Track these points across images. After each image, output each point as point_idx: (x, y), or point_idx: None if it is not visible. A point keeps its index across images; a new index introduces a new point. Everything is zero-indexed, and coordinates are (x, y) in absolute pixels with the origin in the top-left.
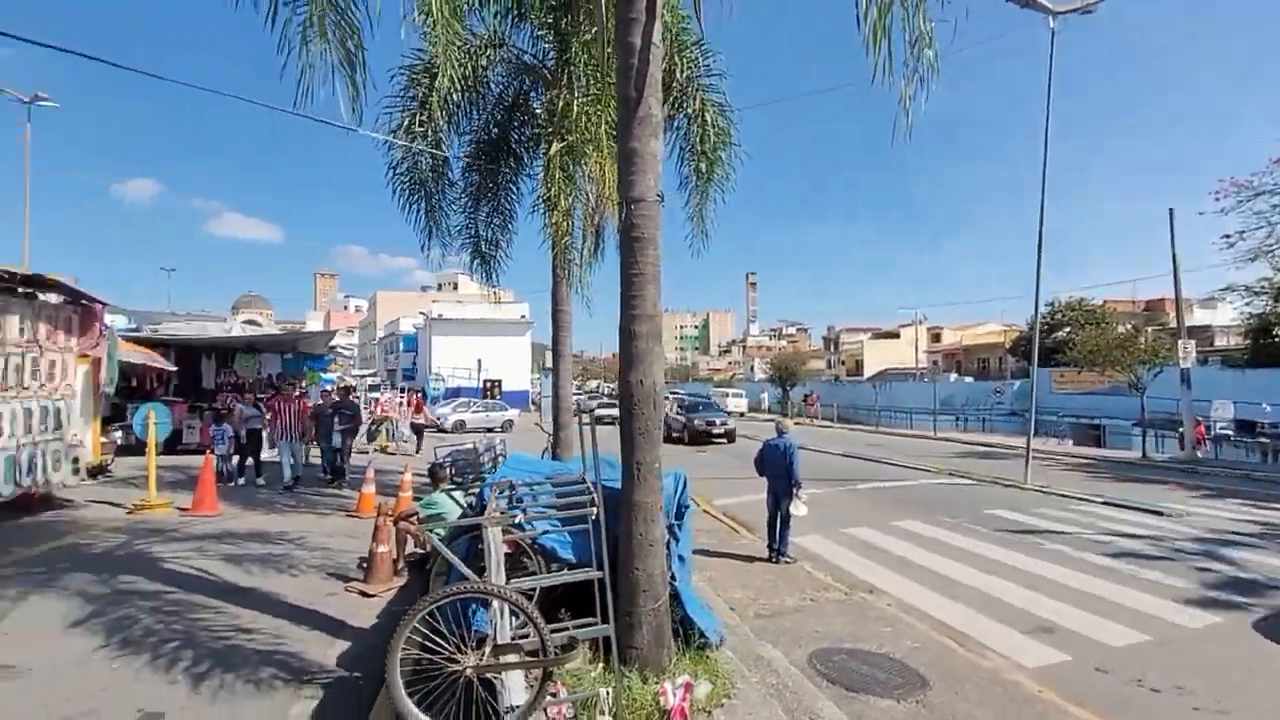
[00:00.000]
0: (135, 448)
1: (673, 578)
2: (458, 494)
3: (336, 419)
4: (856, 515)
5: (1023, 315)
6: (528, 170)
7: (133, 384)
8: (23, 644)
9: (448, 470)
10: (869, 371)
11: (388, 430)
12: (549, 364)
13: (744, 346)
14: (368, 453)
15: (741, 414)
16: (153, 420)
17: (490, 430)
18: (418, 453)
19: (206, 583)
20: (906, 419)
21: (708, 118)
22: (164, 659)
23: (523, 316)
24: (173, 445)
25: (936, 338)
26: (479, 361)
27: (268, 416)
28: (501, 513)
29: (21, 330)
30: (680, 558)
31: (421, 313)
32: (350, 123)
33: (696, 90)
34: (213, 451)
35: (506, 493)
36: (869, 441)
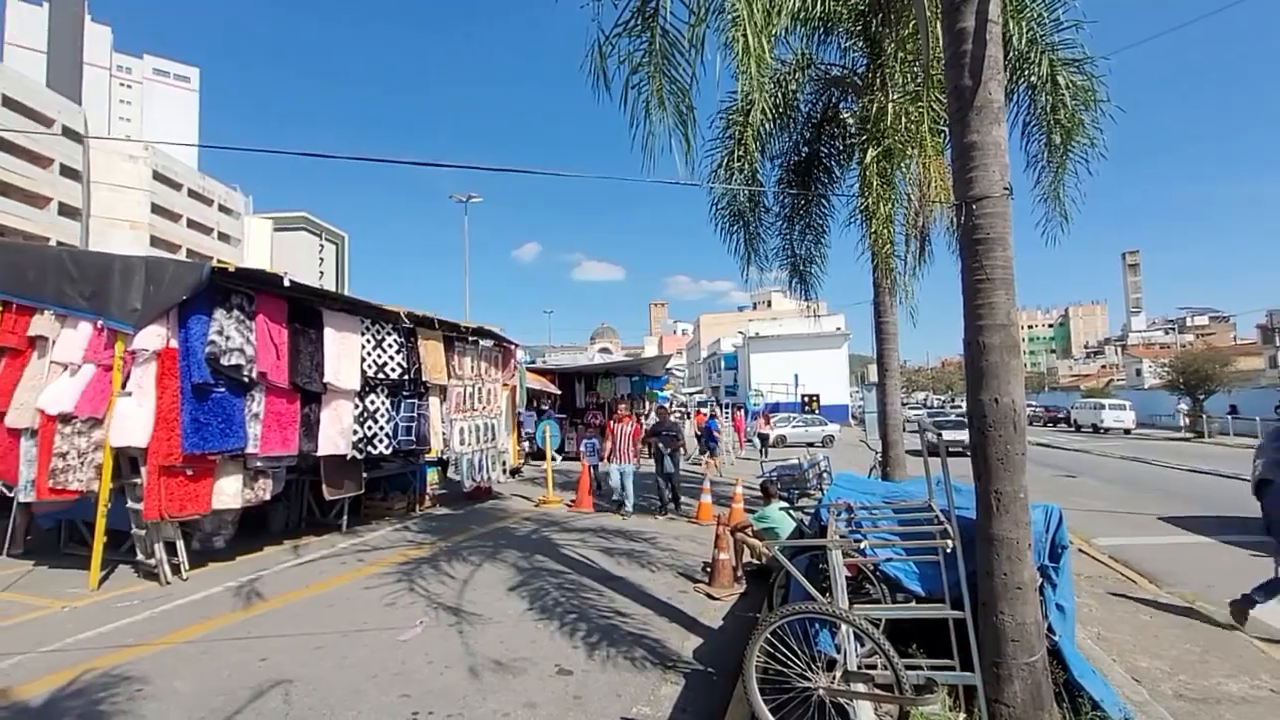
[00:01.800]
0: (535, 454)
1: (1050, 630)
2: (788, 509)
3: (660, 442)
4: None
5: None
6: (839, 184)
7: (532, 404)
8: (486, 600)
9: (776, 486)
10: None
11: (710, 446)
12: (871, 378)
13: (1122, 346)
14: (700, 465)
15: (1127, 430)
16: (548, 434)
17: (811, 445)
18: (764, 456)
19: (590, 569)
20: None
21: (1060, 81)
22: (568, 627)
23: (838, 329)
24: (559, 452)
25: None
26: (796, 376)
27: (607, 445)
28: (842, 535)
29: (472, 367)
30: (1059, 607)
31: (740, 332)
32: (684, 175)
33: (1041, 54)
34: (585, 460)
35: (845, 514)
36: None
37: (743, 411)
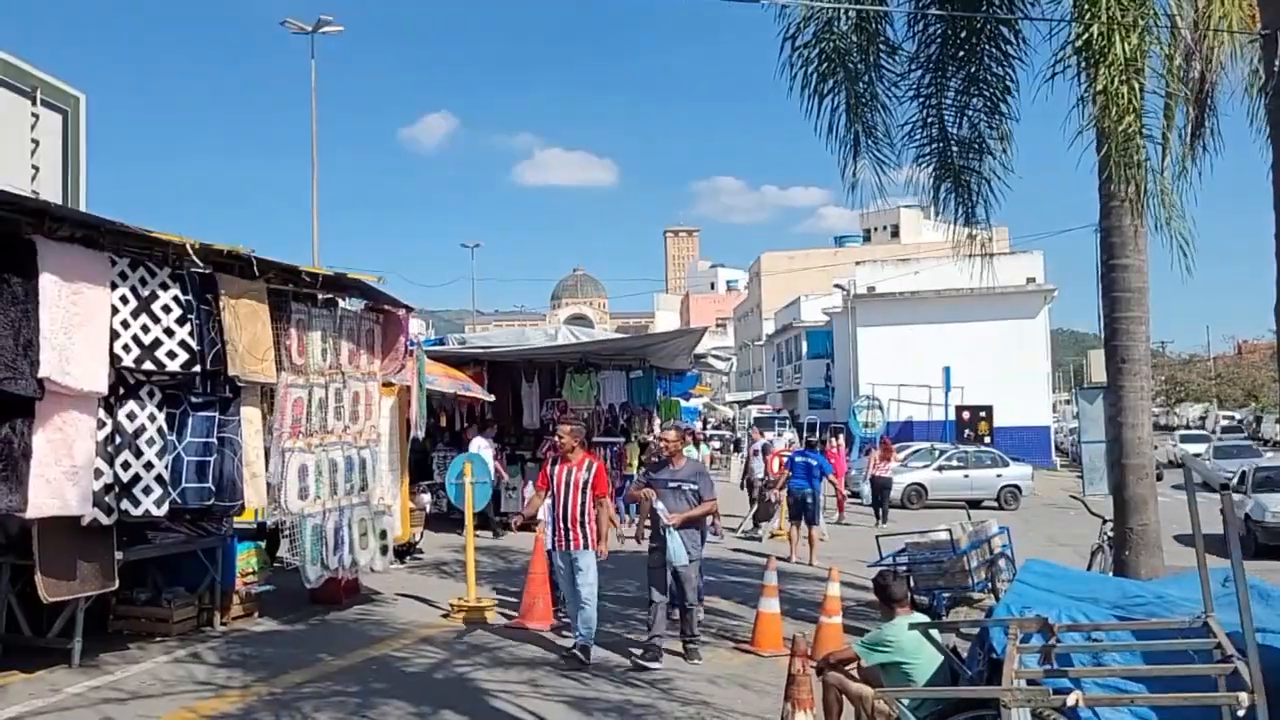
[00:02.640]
0: (446, 517)
1: None
2: (930, 629)
3: (657, 501)
4: None
5: None
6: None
7: (441, 422)
8: None
9: (906, 584)
10: None
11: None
12: (1094, 375)
13: None
14: (759, 539)
15: None
16: (469, 478)
17: (973, 505)
18: (882, 523)
19: None
20: None
21: None
22: None
23: (1031, 280)
24: (495, 515)
25: None
26: (946, 371)
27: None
28: (1033, 682)
29: (325, 351)
30: None
31: (838, 286)
32: None
33: None
34: (543, 528)
35: (1039, 640)
36: None
37: (841, 439)
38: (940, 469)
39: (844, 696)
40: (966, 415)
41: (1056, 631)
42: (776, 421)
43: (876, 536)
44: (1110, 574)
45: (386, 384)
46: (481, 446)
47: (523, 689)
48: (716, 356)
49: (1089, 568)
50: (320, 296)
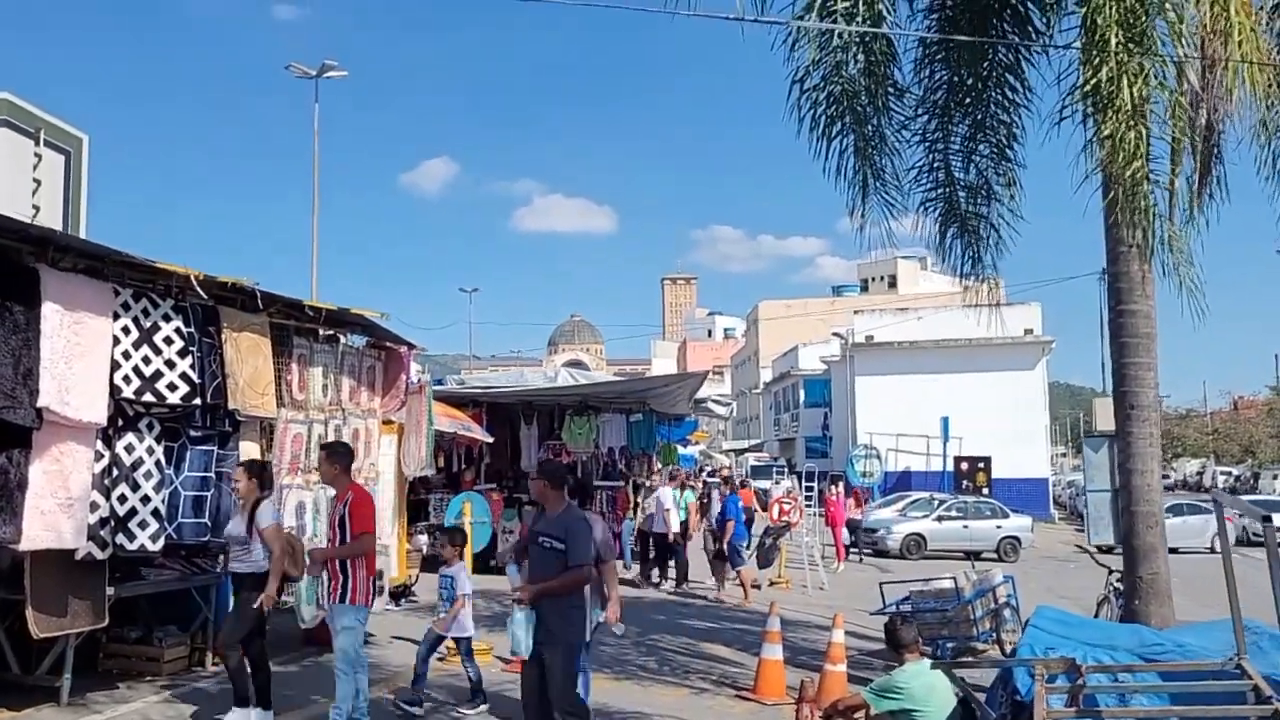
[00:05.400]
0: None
1: None
2: (936, 673)
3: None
4: None
5: None
6: (1041, 45)
7: (439, 464)
8: None
9: (914, 630)
10: None
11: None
12: (1099, 423)
13: None
14: (758, 587)
15: None
16: (469, 519)
17: (973, 556)
18: (856, 561)
19: None
20: None
21: None
22: None
23: (1029, 332)
24: (488, 555)
25: None
26: (945, 422)
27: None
28: None
29: (326, 387)
30: None
31: (836, 333)
32: (742, 5)
33: None
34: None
35: (1064, 681)
36: None
37: (840, 487)
38: (940, 519)
39: None
40: (965, 466)
41: (1084, 673)
42: (774, 470)
43: (880, 584)
44: (1116, 619)
45: (386, 422)
46: (477, 490)
47: None
48: (717, 402)
49: (1098, 614)
50: (322, 332)
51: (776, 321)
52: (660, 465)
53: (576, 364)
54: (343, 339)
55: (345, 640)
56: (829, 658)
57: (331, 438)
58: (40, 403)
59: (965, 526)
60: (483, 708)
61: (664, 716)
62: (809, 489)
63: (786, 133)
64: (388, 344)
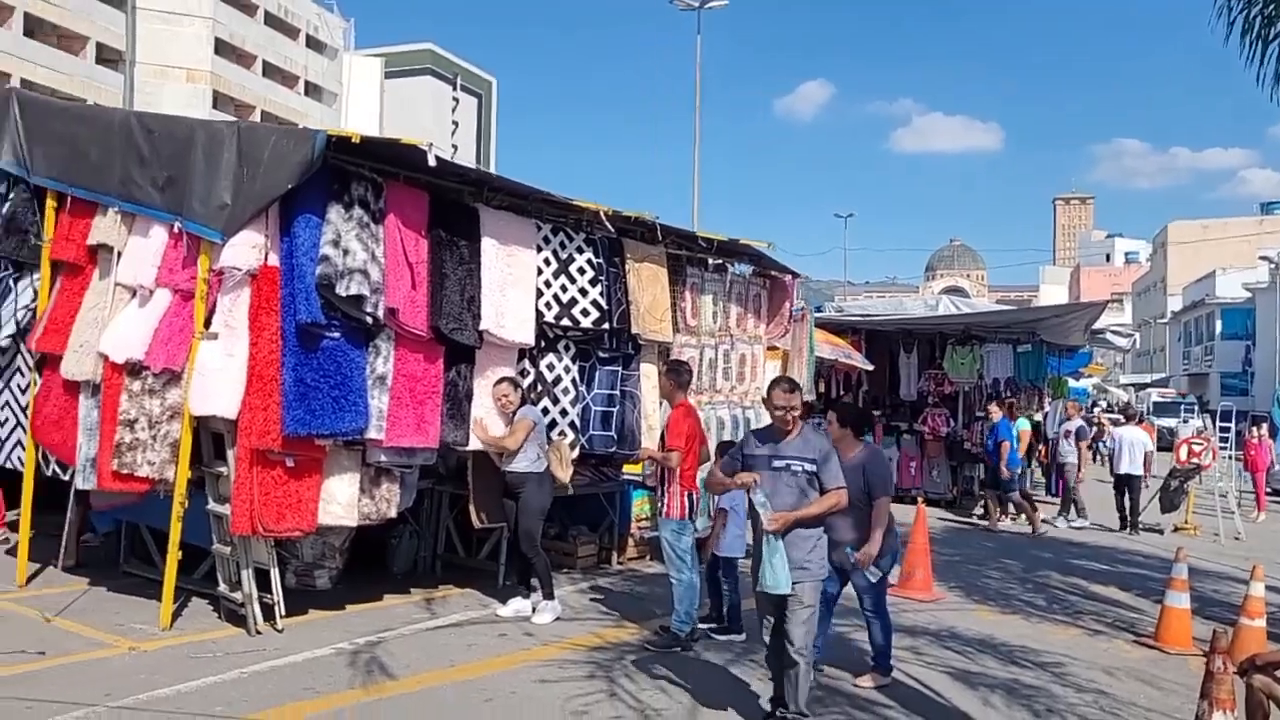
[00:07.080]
0: None
1: None
2: None
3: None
4: None
5: None
6: None
7: (819, 389)
8: None
9: None
10: None
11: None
12: None
13: None
14: (1160, 532)
15: None
16: None
17: None
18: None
19: (940, 710)
20: None
21: None
22: None
23: None
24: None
25: None
26: None
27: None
28: None
29: (716, 314)
30: None
31: (1264, 257)
32: None
33: None
34: (924, 499)
35: None
36: None
37: (1265, 429)
38: None
39: (1272, 702)
40: None
41: None
42: (1182, 407)
43: None
44: None
45: (770, 348)
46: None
47: (905, 655)
48: (1116, 333)
49: None
50: (712, 261)
51: (1189, 244)
52: (1051, 398)
53: (956, 290)
54: (731, 268)
55: (665, 550)
56: (1245, 611)
57: (720, 362)
58: (481, 326)
59: None
60: (736, 638)
61: (1055, 653)
62: (1224, 429)
63: (1207, 39)
64: (773, 272)
